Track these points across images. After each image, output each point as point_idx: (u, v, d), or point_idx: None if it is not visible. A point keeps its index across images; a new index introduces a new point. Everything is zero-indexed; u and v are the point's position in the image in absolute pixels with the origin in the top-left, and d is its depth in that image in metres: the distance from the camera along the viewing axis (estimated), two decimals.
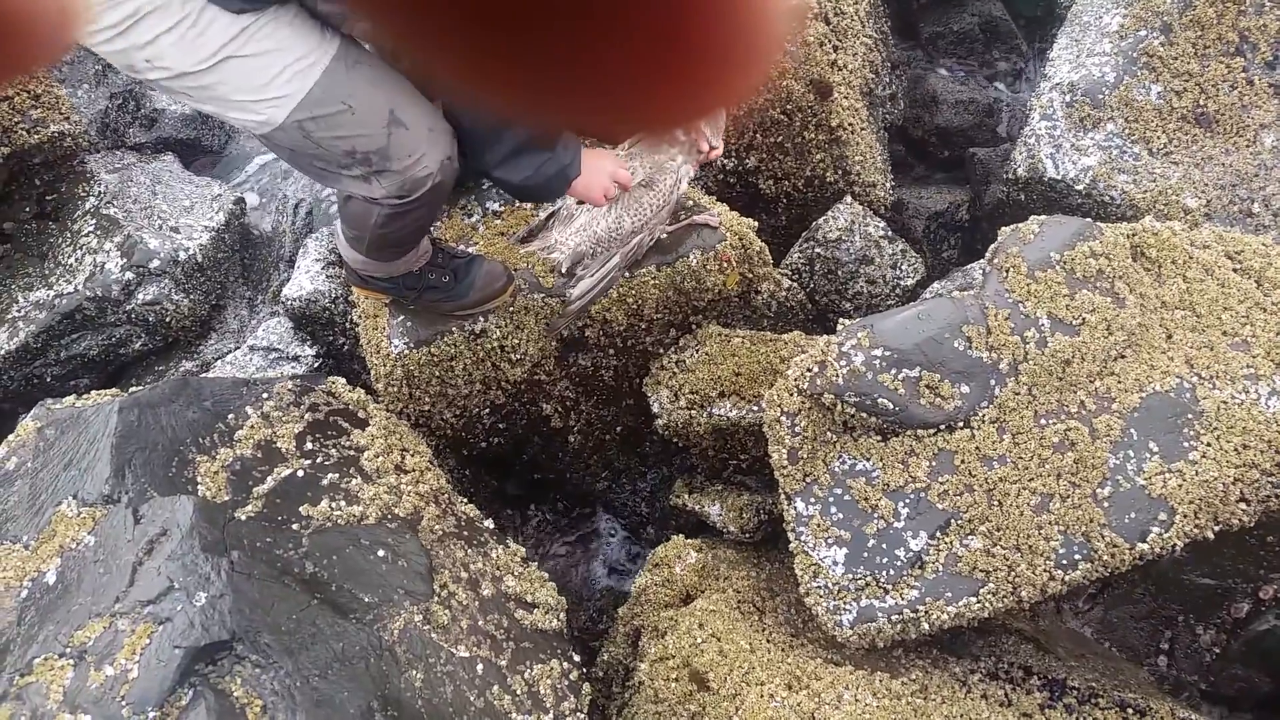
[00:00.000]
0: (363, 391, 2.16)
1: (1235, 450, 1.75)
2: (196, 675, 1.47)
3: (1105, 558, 1.72)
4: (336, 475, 1.87)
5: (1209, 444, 1.76)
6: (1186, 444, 1.77)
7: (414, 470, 2.01)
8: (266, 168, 3.37)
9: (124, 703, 1.44)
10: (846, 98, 2.82)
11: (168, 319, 2.79)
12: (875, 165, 2.99)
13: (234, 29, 1.51)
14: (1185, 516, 1.72)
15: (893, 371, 1.81)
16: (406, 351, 2.19)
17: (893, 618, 1.75)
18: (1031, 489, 1.77)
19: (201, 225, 2.95)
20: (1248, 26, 2.67)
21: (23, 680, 1.50)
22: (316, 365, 2.75)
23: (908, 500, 1.80)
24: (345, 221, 1.91)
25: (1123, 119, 2.67)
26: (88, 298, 2.69)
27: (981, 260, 2.16)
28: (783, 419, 1.89)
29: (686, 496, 2.38)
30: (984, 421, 1.81)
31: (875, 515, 1.81)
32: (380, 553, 1.77)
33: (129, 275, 2.73)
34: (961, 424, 1.82)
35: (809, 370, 1.86)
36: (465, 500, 2.13)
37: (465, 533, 2.01)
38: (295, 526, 1.74)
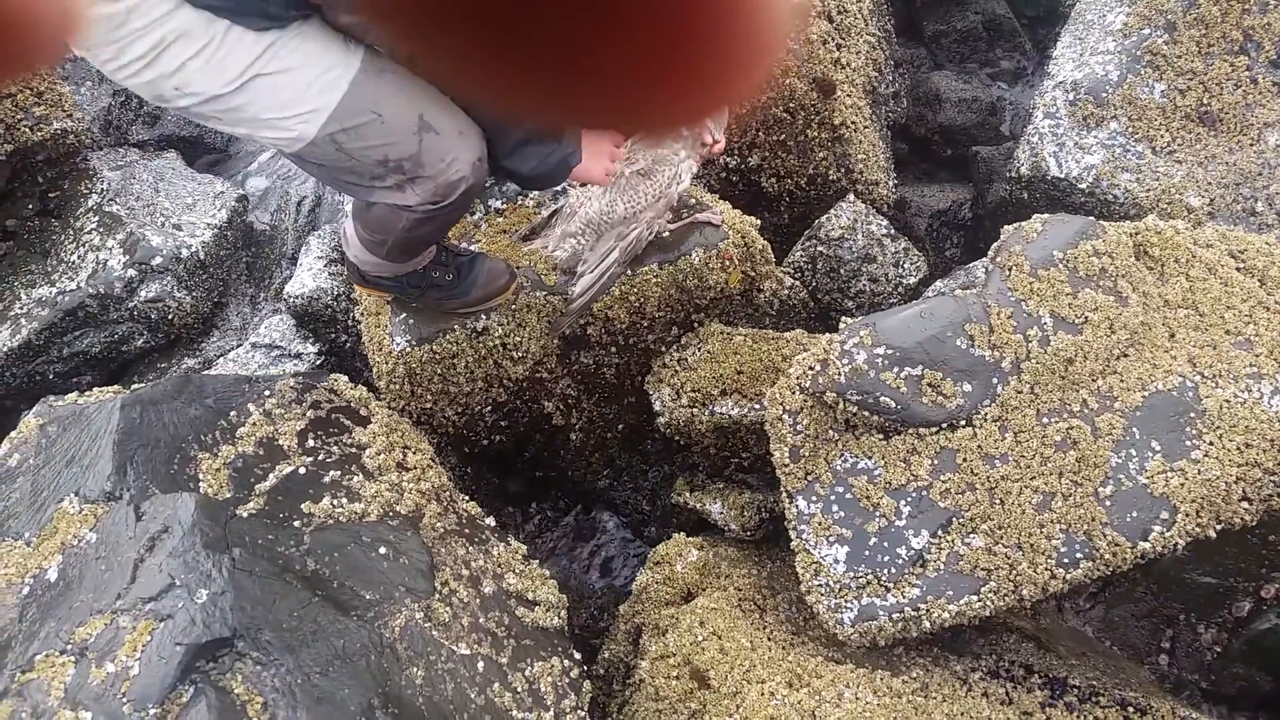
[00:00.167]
0: (365, 389, 2.16)
1: (1238, 449, 1.74)
2: (198, 672, 1.47)
3: (1107, 556, 1.72)
4: (338, 472, 1.87)
5: (1211, 443, 1.76)
6: (1189, 443, 1.77)
7: (415, 468, 2.01)
8: (269, 165, 3.37)
9: (125, 700, 1.44)
10: (849, 96, 2.82)
11: (170, 316, 2.79)
12: (878, 163, 2.98)
13: (259, 47, 1.51)
14: (1187, 515, 1.72)
15: (895, 370, 1.81)
16: (408, 349, 2.19)
17: (894, 616, 1.75)
18: (1033, 487, 1.77)
19: (204, 222, 2.95)
20: (1252, 25, 2.66)
21: (24, 677, 1.50)
22: (318, 363, 2.75)
23: (909, 499, 1.80)
24: (366, 226, 1.90)
25: (1126, 117, 2.67)
26: (90, 295, 2.69)
27: (984, 259, 2.16)
28: (784, 417, 1.89)
29: (688, 494, 2.38)
30: (986, 420, 1.81)
31: (877, 513, 1.81)
32: (382, 550, 1.77)
33: (131, 272, 2.73)
34: (963, 422, 1.82)
35: (811, 368, 1.86)
36: (467, 498, 2.13)
37: (466, 530, 2.01)
38: (297, 524, 1.74)
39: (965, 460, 1.79)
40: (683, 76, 0.26)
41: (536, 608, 1.97)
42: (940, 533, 1.77)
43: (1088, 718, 1.77)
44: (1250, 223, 2.51)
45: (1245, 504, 1.73)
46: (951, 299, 1.89)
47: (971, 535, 1.76)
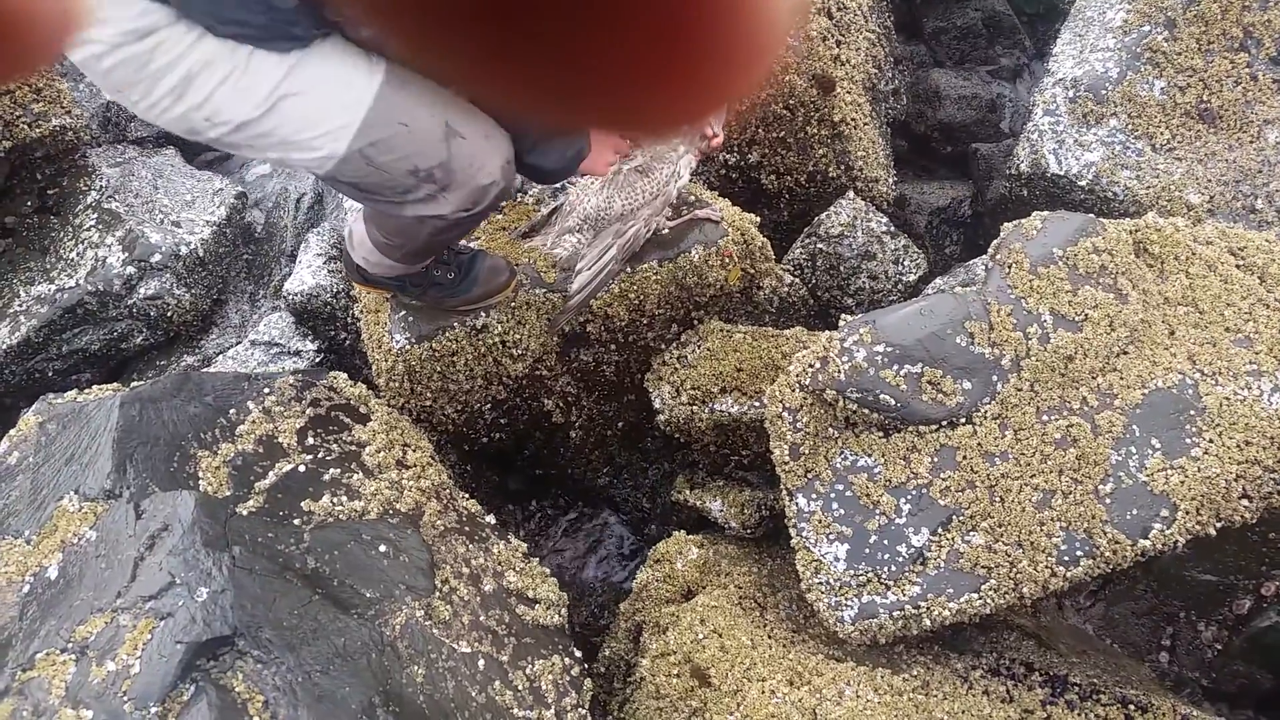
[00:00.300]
0: (364, 387, 2.16)
1: (1238, 446, 1.74)
2: (198, 670, 1.47)
3: (1107, 554, 1.72)
4: (338, 470, 1.87)
5: (1211, 440, 1.76)
6: (1189, 440, 1.77)
7: (415, 466, 2.01)
8: (268, 163, 3.37)
9: (126, 698, 1.44)
10: (849, 93, 2.81)
11: (169, 313, 2.79)
12: (878, 160, 2.98)
13: (282, 68, 1.51)
14: (1187, 513, 1.72)
15: (895, 367, 1.81)
16: (408, 347, 2.19)
17: (894, 614, 1.75)
18: (1033, 485, 1.77)
19: (203, 220, 2.94)
20: (1252, 22, 2.66)
21: (25, 675, 1.50)
22: (318, 360, 2.75)
23: (909, 496, 1.80)
24: (384, 231, 1.89)
25: (1126, 115, 2.66)
26: (89, 292, 2.69)
27: (984, 256, 2.15)
28: (784, 415, 1.89)
29: (688, 492, 2.38)
30: (986, 418, 1.81)
31: (877, 511, 1.81)
32: (382, 548, 1.77)
33: (130, 270, 2.73)
34: (963, 420, 1.82)
35: (811, 366, 1.86)
36: (467, 496, 2.13)
37: (467, 528, 2.01)
38: (297, 522, 1.74)
39: (965, 458, 1.79)
40: (683, 75, 0.26)
41: (537, 606, 1.97)
42: (940, 530, 1.77)
43: (1088, 715, 1.77)
44: (1250, 220, 2.51)
45: (1245, 501, 1.73)
46: (951, 296, 1.89)
47: (972, 533, 1.76)
